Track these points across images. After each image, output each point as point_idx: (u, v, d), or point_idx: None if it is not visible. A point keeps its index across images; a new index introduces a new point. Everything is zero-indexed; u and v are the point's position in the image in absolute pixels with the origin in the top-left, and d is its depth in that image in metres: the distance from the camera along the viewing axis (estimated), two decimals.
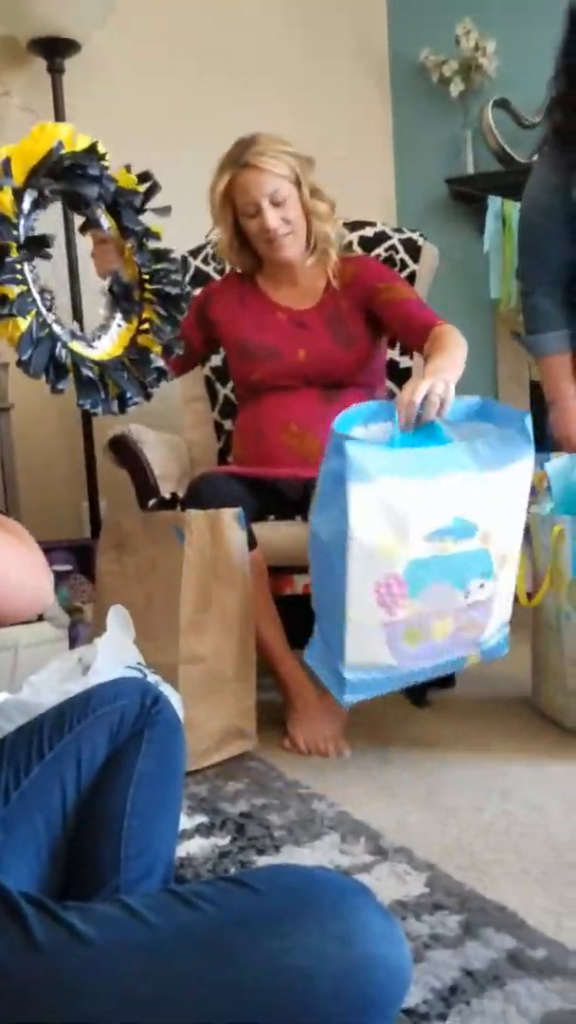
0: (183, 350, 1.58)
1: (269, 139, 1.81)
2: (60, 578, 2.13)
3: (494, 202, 2.80)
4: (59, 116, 2.37)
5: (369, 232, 2.29)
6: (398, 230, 2.32)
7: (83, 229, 1.38)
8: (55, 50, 2.36)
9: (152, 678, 1.31)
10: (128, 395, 1.28)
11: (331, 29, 3.02)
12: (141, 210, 1.39)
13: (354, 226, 2.28)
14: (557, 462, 1.73)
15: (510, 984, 0.91)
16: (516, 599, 1.71)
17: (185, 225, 2.51)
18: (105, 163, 1.28)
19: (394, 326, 1.85)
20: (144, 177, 1.38)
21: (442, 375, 1.48)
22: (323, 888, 0.70)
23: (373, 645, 1.36)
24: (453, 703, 1.84)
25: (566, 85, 1.82)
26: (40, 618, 1.99)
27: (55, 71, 2.39)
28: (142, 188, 1.39)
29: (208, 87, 2.76)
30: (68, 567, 2.31)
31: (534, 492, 1.72)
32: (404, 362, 2.24)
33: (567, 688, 1.61)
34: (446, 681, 1.93)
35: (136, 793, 0.98)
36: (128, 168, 1.38)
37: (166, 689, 1.30)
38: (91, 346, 1.29)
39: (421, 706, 1.83)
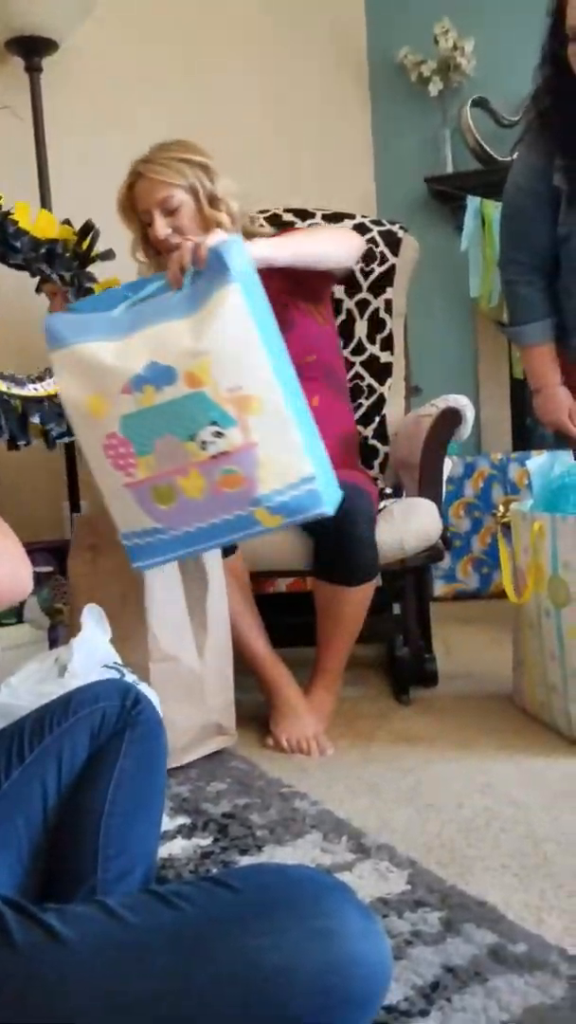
0: None
1: (167, 146, 1.77)
2: (41, 579, 2.12)
3: (473, 201, 2.81)
4: (37, 115, 2.36)
5: (348, 224, 2.29)
6: (377, 222, 2.31)
7: (38, 288, 1.42)
8: (33, 49, 2.35)
9: (130, 677, 1.31)
10: (51, 430, 1.32)
11: (310, 29, 3.03)
12: (85, 259, 1.44)
13: (334, 218, 2.28)
14: (537, 459, 1.74)
15: (491, 980, 0.91)
16: (505, 595, 1.72)
17: None
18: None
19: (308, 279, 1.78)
20: (85, 229, 1.42)
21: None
22: (302, 886, 0.70)
23: (130, 509, 1.37)
24: (436, 700, 1.85)
25: (552, 70, 1.83)
26: (20, 620, 1.98)
27: (33, 70, 2.37)
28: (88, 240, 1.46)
29: (187, 86, 2.75)
30: (49, 568, 2.30)
31: (516, 490, 1.73)
32: (385, 357, 2.24)
33: (548, 684, 1.62)
34: (428, 679, 1.94)
35: (116, 793, 0.98)
36: (68, 221, 1.42)
37: (145, 689, 1.30)
38: (23, 386, 1.34)
39: (404, 703, 1.84)
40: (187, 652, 1.59)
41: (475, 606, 2.73)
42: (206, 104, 2.75)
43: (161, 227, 1.74)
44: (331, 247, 1.76)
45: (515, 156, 2.02)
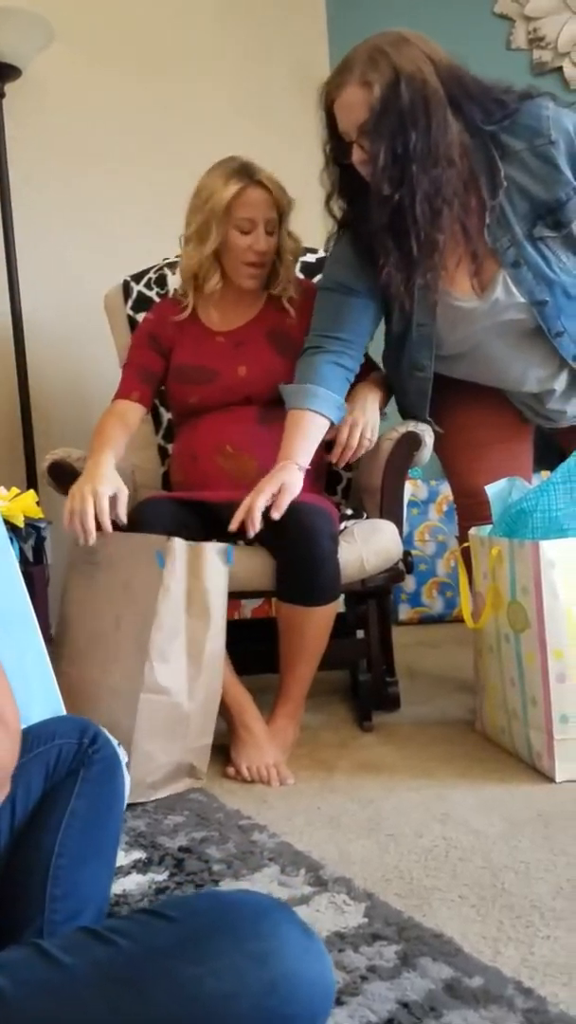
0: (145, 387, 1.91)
1: (263, 169, 1.86)
2: None
3: None
4: (0, 141, 2.36)
5: (311, 258, 2.31)
6: None
7: None
8: None
9: None
10: None
11: (272, 56, 3.06)
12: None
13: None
14: (496, 485, 1.75)
15: (446, 1015, 0.90)
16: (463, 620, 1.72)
17: (128, 250, 2.53)
18: None
19: None
20: None
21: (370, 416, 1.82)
22: (239, 909, 0.69)
23: None
24: (398, 727, 1.84)
25: (338, 171, 1.74)
26: None
27: None
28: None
29: (151, 111, 2.77)
30: None
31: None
32: None
33: (508, 710, 1.62)
34: (391, 703, 1.93)
35: (66, 833, 0.96)
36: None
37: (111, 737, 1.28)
38: None
39: (366, 730, 1.83)
40: (179, 688, 1.56)
41: (440, 630, 2.74)
42: (170, 129, 2.76)
43: (264, 240, 1.83)
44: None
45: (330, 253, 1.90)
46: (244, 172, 1.83)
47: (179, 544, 1.58)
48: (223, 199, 1.81)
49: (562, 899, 1.12)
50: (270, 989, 0.64)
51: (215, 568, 1.60)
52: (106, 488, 1.71)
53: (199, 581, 1.58)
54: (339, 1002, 0.93)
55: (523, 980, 0.96)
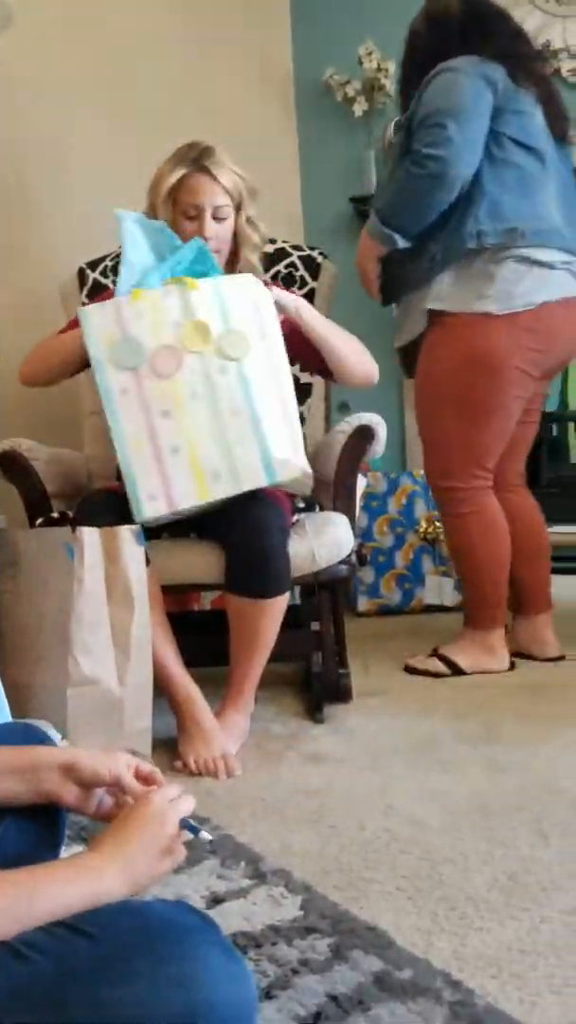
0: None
1: (221, 154, 1.85)
2: None
3: None
4: None
5: (269, 248, 2.29)
6: (297, 247, 2.34)
7: None
8: None
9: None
10: None
11: (236, 47, 3.03)
12: None
13: None
14: None
15: (374, 1008, 0.90)
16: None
17: (84, 238, 2.50)
18: None
19: (309, 352, 1.86)
20: None
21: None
22: (161, 930, 0.68)
23: None
24: (348, 719, 1.84)
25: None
26: None
27: None
28: None
29: (110, 105, 2.73)
30: None
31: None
32: (304, 378, 2.25)
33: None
34: (343, 695, 1.93)
35: (4, 839, 0.94)
36: None
37: (52, 734, 1.27)
38: None
39: (318, 722, 1.82)
40: (108, 676, 1.55)
41: (397, 621, 2.75)
42: (129, 123, 2.72)
43: (211, 226, 1.82)
44: (353, 361, 1.88)
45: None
46: (188, 158, 1.82)
47: (87, 533, 1.57)
48: (166, 185, 1.82)
49: (497, 891, 1.13)
50: (187, 1014, 0.63)
51: (131, 551, 1.59)
52: None
53: (117, 566, 1.58)
54: (269, 996, 0.93)
55: (453, 972, 0.96)
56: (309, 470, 1.70)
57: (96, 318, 1.66)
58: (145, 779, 0.89)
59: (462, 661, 2.12)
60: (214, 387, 1.63)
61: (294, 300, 1.81)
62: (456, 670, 2.11)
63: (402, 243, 2.03)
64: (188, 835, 0.83)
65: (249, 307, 1.69)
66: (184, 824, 0.82)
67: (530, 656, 2.19)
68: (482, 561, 2.12)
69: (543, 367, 2.11)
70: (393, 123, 2.90)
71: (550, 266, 2.01)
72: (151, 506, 1.61)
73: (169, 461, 1.61)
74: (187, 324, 1.64)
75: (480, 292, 2.00)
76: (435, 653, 2.16)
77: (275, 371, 1.69)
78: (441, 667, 2.12)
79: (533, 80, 2.06)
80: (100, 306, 1.68)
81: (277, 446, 1.64)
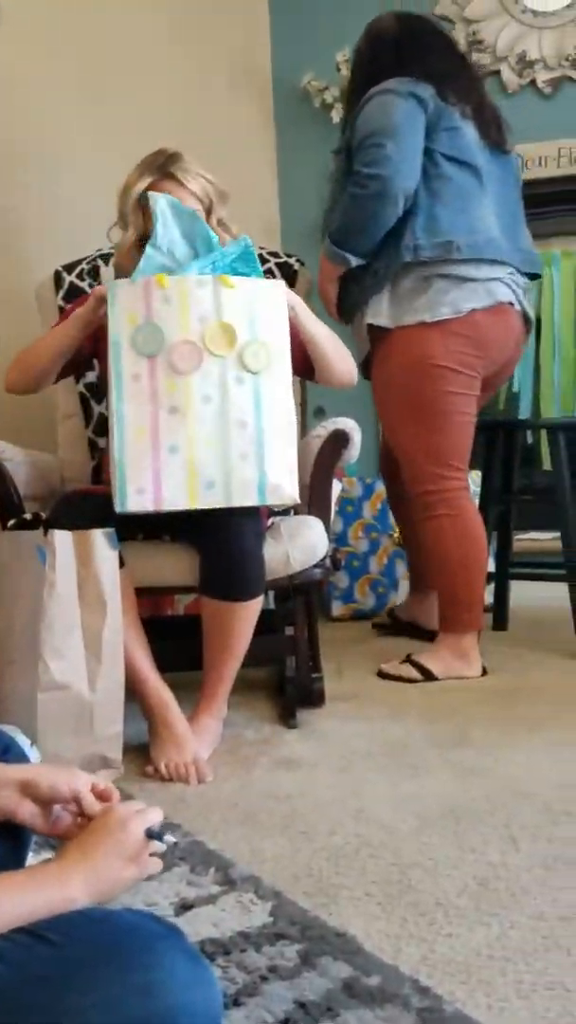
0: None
1: (192, 161, 1.85)
2: None
3: None
4: None
5: None
6: (274, 254, 2.34)
7: None
8: None
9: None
10: None
11: (215, 51, 3.04)
12: None
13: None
14: None
15: (342, 1015, 0.90)
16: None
17: (60, 242, 2.49)
18: None
19: (294, 350, 1.85)
20: None
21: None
22: (126, 937, 0.67)
23: None
24: (321, 723, 1.84)
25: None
26: None
27: None
28: None
29: (90, 108, 2.72)
30: None
31: None
32: None
33: None
34: (316, 699, 1.93)
35: None
36: None
37: (21, 739, 1.26)
38: None
39: (291, 727, 1.82)
40: (79, 681, 1.54)
41: (371, 626, 2.75)
42: (108, 126, 2.72)
43: None
44: (340, 365, 1.89)
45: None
46: (155, 165, 1.83)
47: (60, 536, 1.56)
48: (135, 192, 1.82)
49: (466, 896, 1.13)
50: (155, 1021, 0.62)
51: (104, 554, 1.58)
52: None
53: (89, 569, 1.57)
54: (237, 1003, 0.92)
55: (421, 978, 0.96)
56: (298, 499, 1.68)
57: (123, 295, 1.62)
58: (101, 795, 0.89)
59: (434, 667, 2.13)
60: (227, 394, 1.60)
61: (294, 296, 1.82)
62: (428, 676, 2.12)
63: (356, 262, 2.11)
64: (158, 846, 0.83)
65: (277, 321, 1.67)
66: (148, 833, 0.81)
67: (416, 625, 2.38)
68: (455, 565, 2.14)
69: (483, 369, 2.18)
70: (333, 150, 2.93)
71: (483, 282, 2.11)
72: (137, 500, 1.58)
73: (165, 459, 1.58)
74: (214, 323, 1.60)
75: (412, 305, 2.10)
76: (408, 659, 2.16)
77: (286, 392, 1.67)
78: (414, 673, 2.12)
79: (463, 96, 2.14)
80: (129, 283, 1.63)
81: (274, 470, 1.61)
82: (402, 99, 2.05)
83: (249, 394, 1.61)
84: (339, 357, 1.89)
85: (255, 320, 1.63)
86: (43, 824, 0.88)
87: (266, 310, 1.65)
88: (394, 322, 2.12)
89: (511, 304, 2.15)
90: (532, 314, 2.28)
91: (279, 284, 1.75)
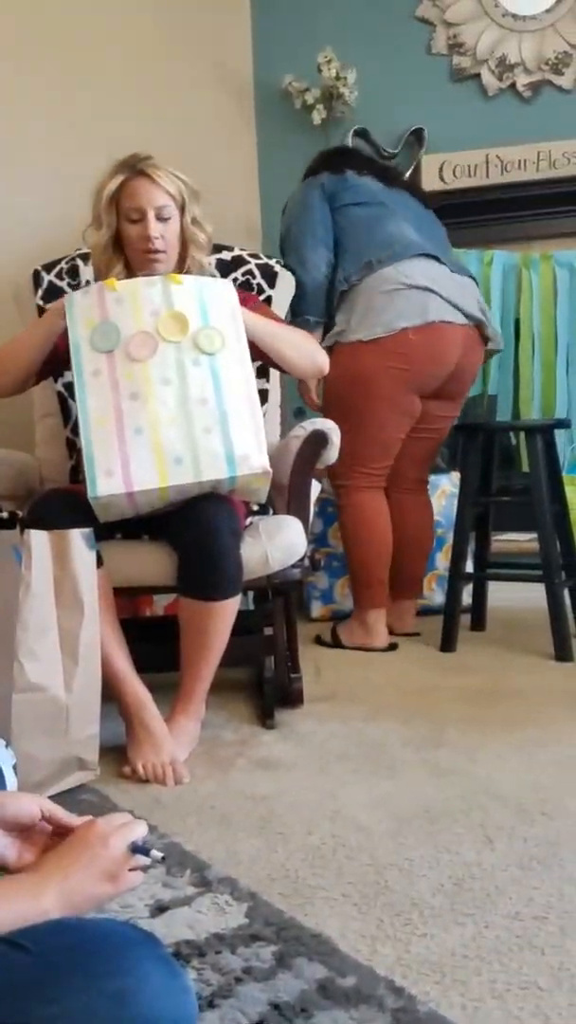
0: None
1: (159, 162, 1.87)
2: None
3: None
4: None
5: (227, 256, 2.30)
6: (255, 255, 2.34)
7: None
8: None
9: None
10: None
11: (197, 52, 3.03)
12: None
13: (212, 249, 2.27)
14: None
15: (316, 1016, 0.90)
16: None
17: (37, 243, 2.47)
18: None
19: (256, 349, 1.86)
20: None
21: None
22: (100, 944, 0.67)
23: None
24: (299, 724, 1.84)
25: None
26: None
27: None
28: None
29: (68, 110, 2.70)
30: None
31: None
32: (260, 384, 2.24)
33: None
34: (294, 699, 1.93)
35: None
36: None
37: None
38: None
39: (268, 728, 1.82)
40: (54, 683, 1.53)
41: None
42: (88, 126, 2.70)
43: (156, 226, 1.83)
44: (296, 355, 1.94)
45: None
46: (128, 164, 1.85)
47: (36, 536, 1.55)
48: (107, 192, 1.84)
49: (442, 896, 1.13)
50: None
51: (81, 555, 1.57)
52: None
53: (66, 570, 1.56)
54: (211, 1005, 0.92)
55: (396, 979, 0.96)
56: (269, 469, 1.70)
57: (79, 302, 1.72)
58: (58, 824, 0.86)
59: (344, 637, 2.45)
60: (185, 376, 1.66)
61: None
62: (337, 644, 2.45)
63: (316, 320, 2.43)
64: (142, 860, 0.82)
65: (228, 312, 1.73)
66: (133, 847, 0.80)
67: (391, 631, 2.52)
68: (356, 548, 2.46)
69: (414, 384, 2.41)
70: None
71: (418, 290, 2.33)
72: (107, 483, 1.61)
73: (131, 441, 1.62)
74: (166, 314, 1.68)
75: (350, 326, 2.39)
76: (333, 629, 2.49)
77: (245, 374, 1.72)
78: (328, 639, 2.48)
79: (356, 165, 2.51)
80: (85, 290, 1.75)
81: (240, 441, 1.65)
82: (306, 188, 2.50)
83: (207, 373, 1.67)
84: (297, 352, 1.92)
85: (206, 309, 1.71)
86: (13, 855, 0.85)
87: (216, 301, 1.73)
88: (336, 340, 2.41)
89: (446, 323, 2.37)
90: (486, 316, 2.47)
91: (227, 282, 1.82)
